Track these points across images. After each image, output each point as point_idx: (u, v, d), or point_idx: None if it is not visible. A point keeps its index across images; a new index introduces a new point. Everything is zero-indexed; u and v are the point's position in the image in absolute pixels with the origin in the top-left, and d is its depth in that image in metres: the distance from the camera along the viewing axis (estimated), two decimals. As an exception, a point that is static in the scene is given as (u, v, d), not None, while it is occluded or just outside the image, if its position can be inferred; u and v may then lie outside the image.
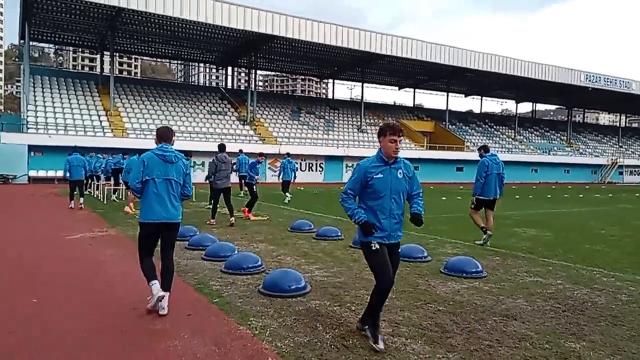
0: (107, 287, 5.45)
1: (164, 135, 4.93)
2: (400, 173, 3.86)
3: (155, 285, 4.61)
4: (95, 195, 17.65)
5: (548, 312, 4.68)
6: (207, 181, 10.99)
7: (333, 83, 47.84)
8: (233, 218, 10.55)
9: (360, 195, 3.90)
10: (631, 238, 9.71)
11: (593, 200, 21.62)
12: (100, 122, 29.98)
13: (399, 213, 3.88)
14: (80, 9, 28.33)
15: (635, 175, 53.85)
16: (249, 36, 32.22)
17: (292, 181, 17.06)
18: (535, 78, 42.31)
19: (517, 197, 22.48)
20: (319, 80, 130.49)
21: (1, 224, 10.59)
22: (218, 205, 10.97)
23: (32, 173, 25.31)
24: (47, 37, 35.51)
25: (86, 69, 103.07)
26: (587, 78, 45.62)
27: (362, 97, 43.22)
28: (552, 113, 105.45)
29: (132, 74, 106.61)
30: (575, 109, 61.83)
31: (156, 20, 30.32)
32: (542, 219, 13.09)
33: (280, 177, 17.11)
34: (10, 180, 24.05)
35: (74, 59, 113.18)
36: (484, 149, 8.79)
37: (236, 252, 7.03)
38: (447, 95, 47.14)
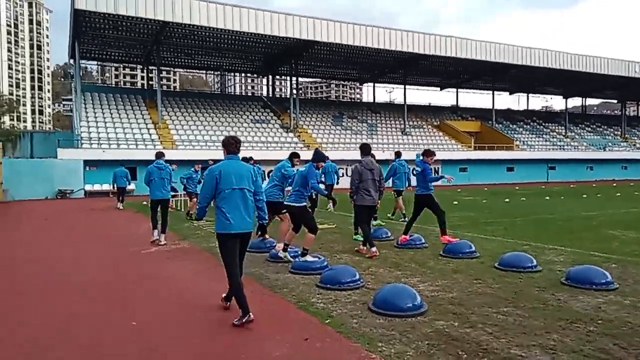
0: (203, 306, 5.04)
1: (160, 155, 9.75)
2: None
3: (156, 231, 9.40)
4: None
5: None
6: (350, 196, 7.88)
7: (374, 86, 47.17)
8: (374, 249, 7.50)
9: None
10: None
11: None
12: (150, 135, 30.36)
13: None
14: (128, 25, 28.84)
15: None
16: (290, 43, 32.04)
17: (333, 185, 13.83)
18: (586, 71, 40.32)
19: (585, 195, 21.18)
20: (354, 84, 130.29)
21: (77, 240, 10.53)
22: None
23: (88, 187, 25.75)
24: (94, 55, 36.42)
25: (127, 84, 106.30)
26: (642, 68, 43.19)
27: (404, 99, 42.34)
28: (595, 108, 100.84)
29: (172, 87, 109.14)
30: (629, 102, 58.64)
31: (199, 32, 30.54)
32: (629, 218, 12.07)
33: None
34: (68, 195, 24.56)
35: (116, 76, 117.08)
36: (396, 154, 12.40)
37: (325, 264, 6.57)
38: (493, 94, 45.59)
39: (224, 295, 4.96)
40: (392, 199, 12.71)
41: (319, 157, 7.28)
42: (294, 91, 37.87)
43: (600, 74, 41.15)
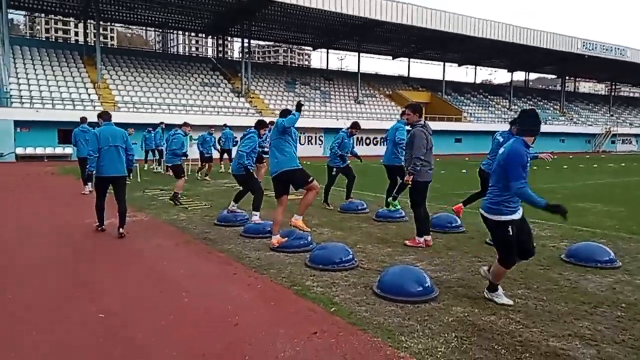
0: (183, 292, 4.36)
1: (84, 120, 11.66)
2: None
3: (87, 186, 11.16)
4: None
5: None
6: (413, 170, 6.00)
7: (327, 53, 46.17)
8: (429, 237, 6.18)
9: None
10: None
11: (613, 170, 21.06)
12: (89, 95, 28.05)
13: None
14: (62, -29, 26.13)
15: (627, 143, 54.00)
16: (242, 1, 30.37)
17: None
18: (532, 45, 41.29)
19: (535, 167, 21.77)
20: (303, 50, 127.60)
21: (15, 209, 9.30)
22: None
23: (20, 150, 23.54)
24: (25, 4, 32.98)
25: (60, 39, 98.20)
26: (584, 45, 44.81)
27: (358, 67, 41.69)
28: (531, 82, 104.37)
29: (109, 44, 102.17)
30: (567, 77, 61.20)
31: (144, -15, 28.24)
32: (590, 191, 12.34)
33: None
34: (-4, 159, 22.38)
35: (47, 30, 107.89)
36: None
37: (309, 240, 6.00)
38: (444, 65, 45.92)
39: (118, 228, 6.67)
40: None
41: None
42: (246, 54, 36.28)
43: (545, 48, 42.27)
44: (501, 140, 6.32)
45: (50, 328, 3.58)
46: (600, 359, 3.09)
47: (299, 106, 5.99)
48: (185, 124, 10.52)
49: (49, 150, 24.46)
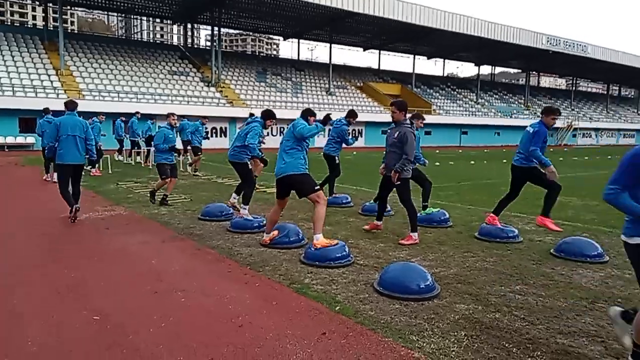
0: (178, 293, 4.19)
1: (47, 111, 11.88)
2: None
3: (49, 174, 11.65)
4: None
5: None
6: (401, 168, 5.96)
7: (298, 43, 45.77)
8: (416, 234, 6.08)
9: None
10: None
11: (579, 163, 21.78)
12: (51, 82, 26.89)
13: None
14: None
15: (587, 137, 56.02)
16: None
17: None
18: (502, 40, 42.15)
19: (504, 161, 22.26)
20: (271, 40, 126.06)
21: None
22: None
23: (-23, 140, 22.47)
24: (-22, -15, 31.25)
25: (17, 24, 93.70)
26: (548, 41, 46.04)
27: (330, 58, 41.55)
28: (495, 76, 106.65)
29: (69, 30, 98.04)
30: (532, 72, 62.81)
31: (109, -32, 27.18)
32: (563, 184, 12.64)
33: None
34: (-49, 149, 21.22)
35: (2, 14, 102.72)
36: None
37: (301, 236, 5.92)
38: (414, 58, 46.36)
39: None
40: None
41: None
42: (216, 43, 35.54)
43: (512, 43, 43.19)
44: (531, 130, 6.13)
45: (44, 337, 3.37)
46: (609, 356, 3.14)
47: (326, 119, 5.58)
48: (170, 115, 9.10)
49: (9, 140, 23.40)
